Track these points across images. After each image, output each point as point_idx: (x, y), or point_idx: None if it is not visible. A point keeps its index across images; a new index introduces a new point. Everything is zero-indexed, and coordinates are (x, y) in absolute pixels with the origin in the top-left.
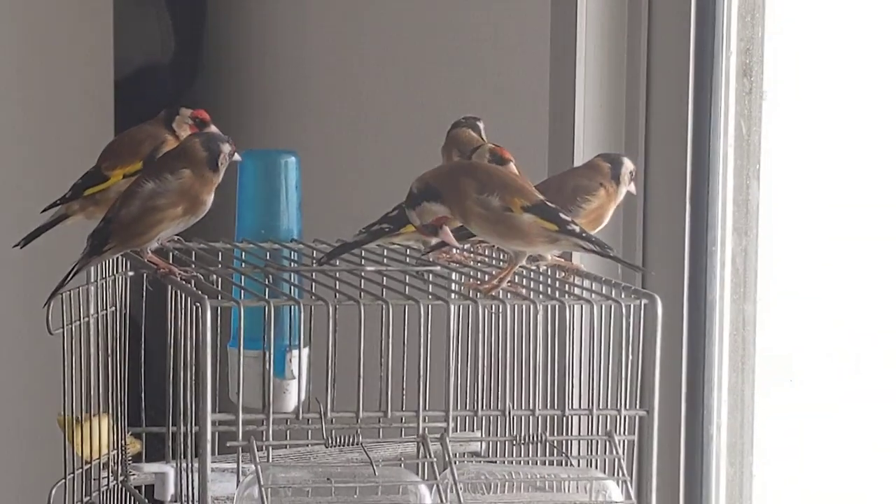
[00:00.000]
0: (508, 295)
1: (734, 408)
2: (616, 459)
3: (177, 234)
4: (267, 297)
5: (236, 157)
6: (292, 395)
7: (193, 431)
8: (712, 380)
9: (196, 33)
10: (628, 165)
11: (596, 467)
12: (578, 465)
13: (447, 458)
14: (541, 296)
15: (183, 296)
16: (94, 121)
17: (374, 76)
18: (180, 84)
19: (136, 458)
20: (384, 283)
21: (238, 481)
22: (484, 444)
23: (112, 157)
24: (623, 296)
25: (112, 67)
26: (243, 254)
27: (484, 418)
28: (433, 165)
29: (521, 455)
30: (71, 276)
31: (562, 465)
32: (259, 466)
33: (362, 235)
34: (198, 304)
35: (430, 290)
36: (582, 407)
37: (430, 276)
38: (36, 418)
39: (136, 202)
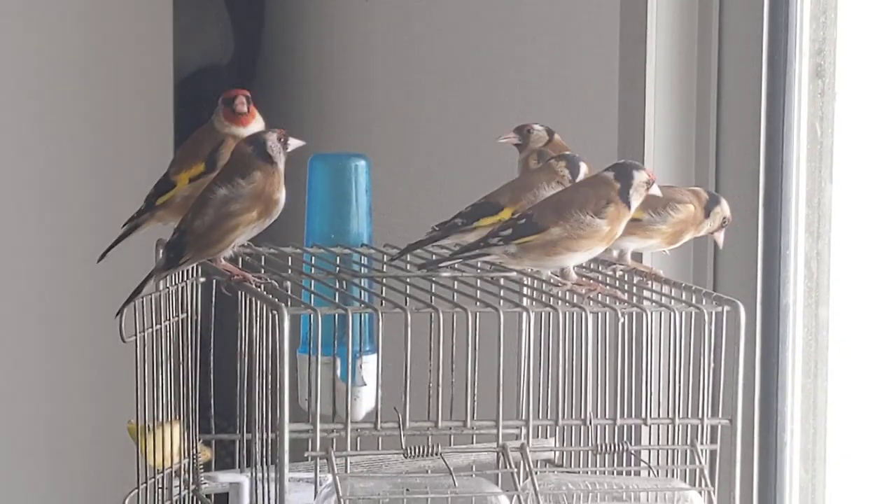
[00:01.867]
0: (590, 302)
1: (807, 413)
2: (699, 469)
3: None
4: (342, 303)
5: (294, 142)
6: (363, 401)
7: (268, 439)
8: (786, 385)
9: (255, 34)
10: (724, 209)
11: (675, 477)
12: (657, 475)
13: (527, 469)
14: (621, 303)
15: (257, 303)
16: (153, 122)
17: (439, 77)
18: (239, 84)
19: (207, 466)
20: (455, 287)
21: (316, 491)
22: (558, 453)
23: (177, 161)
24: (705, 302)
25: (171, 69)
26: (313, 258)
27: (559, 427)
28: (503, 168)
29: (596, 465)
30: (144, 286)
31: (639, 475)
32: (337, 477)
33: (435, 233)
34: (275, 312)
35: (503, 295)
36: (661, 416)
37: (503, 280)
38: (109, 427)
39: (210, 210)
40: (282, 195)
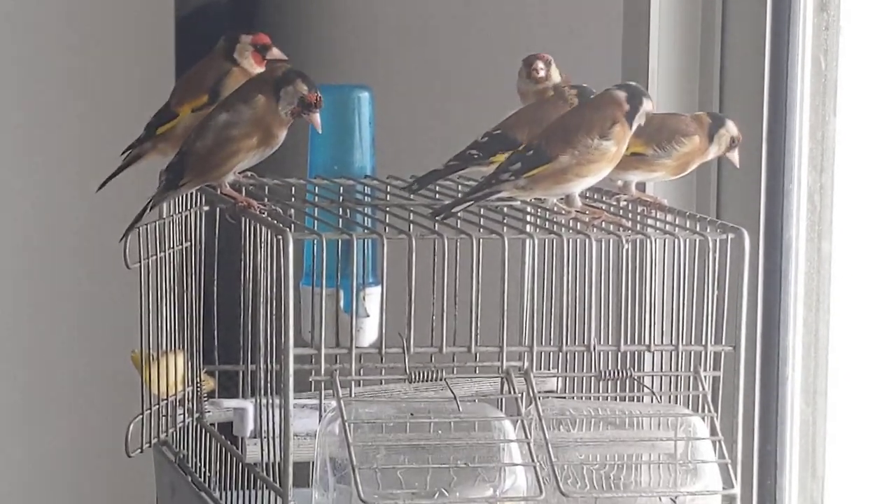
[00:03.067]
0: (594, 229)
1: (809, 347)
2: (702, 395)
3: (250, 170)
4: (347, 229)
5: (314, 117)
6: (367, 333)
7: (272, 369)
8: (788, 318)
9: None
10: (730, 130)
11: (679, 403)
12: (661, 401)
13: (531, 394)
14: (625, 230)
15: (261, 230)
16: (154, 59)
17: (442, 9)
18: (240, 23)
19: (210, 395)
20: (459, 214)
21: (320, 417)
22: (561, 381)
23: (179, 92)
24: (709, 230)
25: (172, 7)
26: (317, 189)
27: (562, 354)
28: (505, 101)
29: (599, 391)
30: (147, 210)
31: (642, 401)
32: (342, 401)
33: (453, 163)
34: (279, 237)
35: (507, 222)
36: (665, 343)
37: (506, 209)
38: (114, 354)
39: (211, 134)
40: (282, 133)
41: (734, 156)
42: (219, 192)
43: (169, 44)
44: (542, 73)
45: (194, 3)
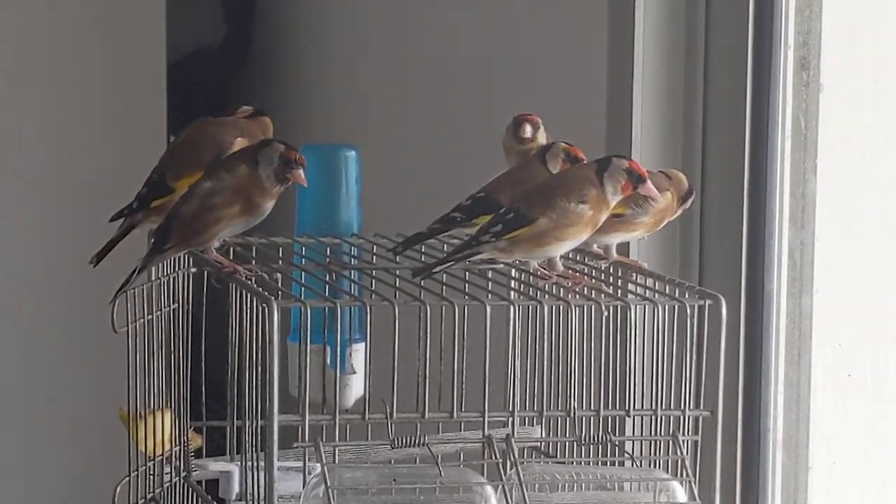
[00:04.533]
0: (575, 295)
1: (791, 401)
2: (680, 460)
3: None
4: (332, 296)
5: (298, 175)
6: (353, 389)
7: (258, 428)
8: (769, 373)
9: (247, 19)
10: (693, 198)
11: (658, 467)
12: (641, 466)
13: (512, 459)
14: (606, 296)
15: (247, 294)
16: (145, 105)
17: (432, 68)
18: (231, 70)
19: (198, 452)
20: (444, 280)
21: (304, 480)
22: (545, 443)
23: (176, 167)
24: (687, 296)
25: (164, 53)
26: (303, 249)
27: (545, 418)
28: (493, 160)
29: (581, 455)
30: (135, 275)
31: (622, 465)
32: (326, 467)
33: (436, 226)
34: (265, 305)
35: (491, 288)
36: (645, 407)
37: (490, 273)
38: (100, 416)
39: (195, 201)
40: (268, 204)
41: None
42: (205, 256)
43: (161, 89)
44: (528, 135)
45: (185, 49)
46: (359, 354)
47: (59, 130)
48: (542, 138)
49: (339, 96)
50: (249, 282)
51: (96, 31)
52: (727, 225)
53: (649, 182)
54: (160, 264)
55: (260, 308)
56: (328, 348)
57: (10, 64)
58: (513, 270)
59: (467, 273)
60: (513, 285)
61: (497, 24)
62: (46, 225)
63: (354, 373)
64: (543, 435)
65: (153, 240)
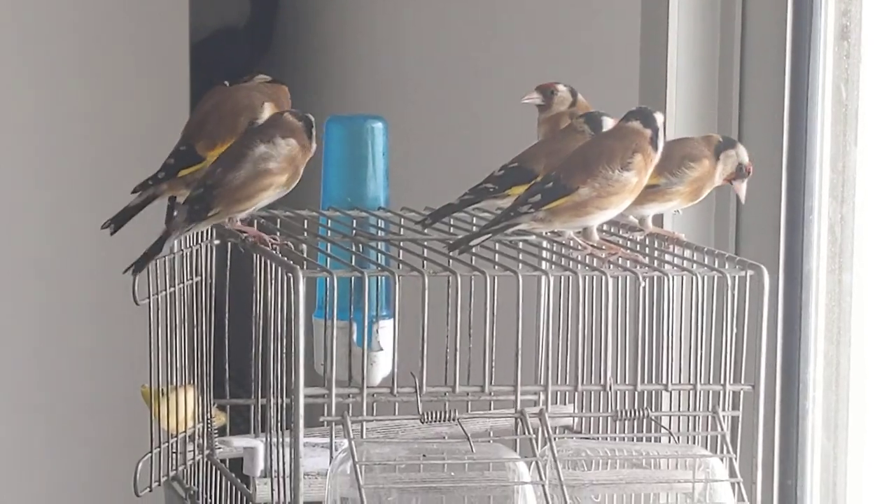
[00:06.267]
0: (610, 266)
1: (830, 380)
2: (720, 436)
3: None
4: (359, 266)
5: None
6: (380, 366)
7: (283, 404)
8: (808, 352)
9: None
10: (740, 154)
11: (696, 443)
12: (678, 442)
13: (546, 435)
14: (642, 267)
15: (272, 265)
16: (169, 85)
17: (458, 37)
18: (255, 48)
19: (221, 430)
20: (474, 250)
21: (331, 456)
22: (577, 419)
23: (207, 136)
24: (727, 266)
25: (188, 32)
26: (329, 222)
27: (577, 393)
28: (522, 132)
29: (615, 431)
30: (166, 244)
31: (658, 441)
32: (353, 442)
33: (467, 197)
34: (290, 275)
35: (522, 258)
36: (682, 381)
37: (521, 244)
38: (123, 391)
39: (247, 165)
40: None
41: (742, 189)
42: (229, 226)
43: (184, 69)
44: (531, 102)
45: (209, 28)
46: (385, 332)
47: (85, 109)
48: (560, 104)
49: (365, 71)
50: (275, 251)
51: (120, 11)
52: (765, 199)
53: None
54: (181, 238)
55: (285, 278)
56: (355, 324)
57: (35, 44)
58: (544, 241)
59: (497, 243)
60: (544, 255)
61: None
62: (70, 201)
63: (381, 349)
64: (575, 411)
65: (192, 208)
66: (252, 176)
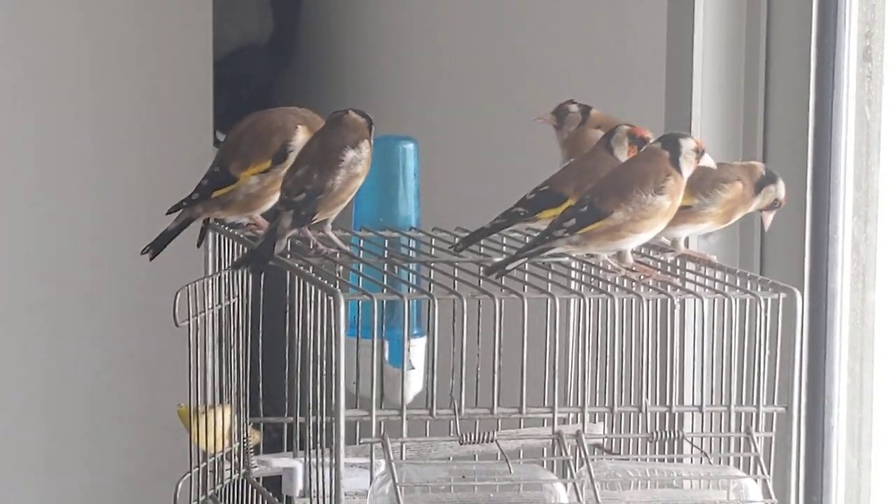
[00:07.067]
0: (642, 288)
1: (854, 398)
2: (753, 457)
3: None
4: (396, 289)
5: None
6: (411, 385)
7: (322, 424)
8: (833, 370)
9: (294, 13)
10: (779, 190)
11: (730, 464)
12: (712, 462)
13: (583, 455)
14: (675, 289)
15: (308, 287)
16: (192, 101)
17: (486, 55)
18: (278, 64)
19: (256, 449)
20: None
21: (371, 477)
22: (609, 439)
23: (241, 157)
24: (760, 289)
25: (211, 48)
26: (361, 241)
27: (612, 415)
28: (551, 150)
29: (646, 452)
30: (278, 242)
31: (691, 461)
32: (393, 464)
33: (499, 221)
34: (331, 298)
35: (554, 279)
36: (715, 403)
37: (553, 265)
38: (160, 411)
39: (342, 171)
40: None
41: (768, 218)
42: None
43: (207, 85)
44: (553, 124)
45: (232, 44)
46: (417, 350)
47: (108, 126)
48: (571, 122)
49: (387, 88)
50: (312, 274)
51: (143, 27)
52: (790, 218)
53: (707, 154)
54: (217, 258)
55: (325, 300)
56: (386, 343)
57: (59, 61)
58: (573, 262)
59: (528, 265)
60: (573, 276)
61: (558, 10)
62: (98, 220)
63: (413, 368)
64: (606, 431)
65: (298, 213)
66: (346, 180)
